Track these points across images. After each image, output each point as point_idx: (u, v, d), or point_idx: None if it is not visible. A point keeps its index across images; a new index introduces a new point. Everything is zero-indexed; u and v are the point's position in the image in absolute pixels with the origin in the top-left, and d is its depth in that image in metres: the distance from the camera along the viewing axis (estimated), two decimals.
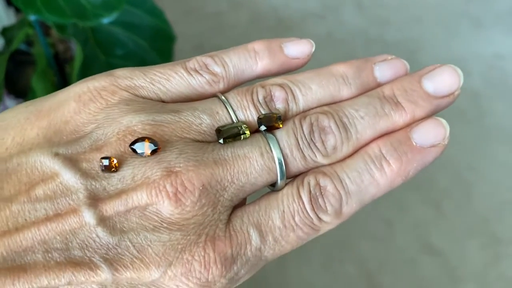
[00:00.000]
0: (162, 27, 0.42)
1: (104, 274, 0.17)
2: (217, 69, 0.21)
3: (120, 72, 0.20)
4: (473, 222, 0.73)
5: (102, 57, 0.44)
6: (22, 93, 0.57)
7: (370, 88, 0.21)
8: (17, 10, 0.59)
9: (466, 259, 0.70)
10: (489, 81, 0.85)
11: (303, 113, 0.20)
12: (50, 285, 0.17)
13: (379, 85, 0.21)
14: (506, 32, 0.89)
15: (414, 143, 0.20)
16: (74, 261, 0.17)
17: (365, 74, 0.21)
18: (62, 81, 0.48)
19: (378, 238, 0.72)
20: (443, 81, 0.21)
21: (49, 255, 0.17)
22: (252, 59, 0.22)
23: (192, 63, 0.21)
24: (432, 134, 0.20)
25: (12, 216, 0.17)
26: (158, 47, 0.44)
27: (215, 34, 0.87)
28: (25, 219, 0.17)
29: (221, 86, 0.21)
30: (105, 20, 0.34)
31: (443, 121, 0.20)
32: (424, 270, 0.69)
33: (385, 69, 0.22)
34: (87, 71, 0.43)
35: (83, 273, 0.17)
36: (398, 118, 0.20)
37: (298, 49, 0.22)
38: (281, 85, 0.21)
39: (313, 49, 0.22)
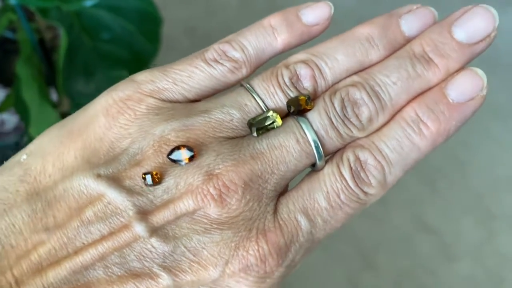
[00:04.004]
0: (148, 10, 0.42)
1: (165, 281, 0.17)
2: (237, 54, 0.20)
3: (141, 76, 0.20)
4: (468, 199, 0.74)
5: (89, 42, 0.43)
6: (11, 82, 0.56)
7: (399, 45, 0.20)
8: None
9: (461, 236, 0.71)
10: (481, 57, 0.85)
11: (333, 88, 0.20)
12: None
13: (408, 40, 0.20)
14: (498, 8, 0.89)
15: (451, 100, 0.19)
16: (134, 272, 0.17)
17: (392, 31, 0.20)
18: (49, 67, 0.47)
19: (373, 217, 0.72)
20: (476, 25, 0.19)
21: (110, 270, 0.17)
22: (271, 35, 0.21)
23: (211, 53, 0.20)
24: (468, 87, 0.19)
25: (69, 242, 0.17)
26: (145, 30, 0.43)
27: (205, 17, 0.86)
28: (83, 243, 0.17)
29: (244, 71, 0.20)
30: (88, 3, 0.33)
31: (479, 70, 0.19)
32: (419, 247, 0.70)
33: (411, 22, 0.20)
34: (73, 57, 0.43)
35: (145, 282, 0.17)
36: (432, 76, 0.19)
37: (316, 14, 0.21)
38: (305, 62, 0.20)
39: (332, 11, 0.21)
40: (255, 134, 0.19)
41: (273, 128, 0.19)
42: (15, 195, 0.18)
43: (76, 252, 0.17)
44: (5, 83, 0.64)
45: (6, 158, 0.19)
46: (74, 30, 0.41)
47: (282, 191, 0.19)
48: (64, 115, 0.50)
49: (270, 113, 0.19)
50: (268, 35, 0.21)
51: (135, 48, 0.44)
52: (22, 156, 0.19)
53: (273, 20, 0.21)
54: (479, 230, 0.71)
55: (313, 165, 0.19)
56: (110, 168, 0.18)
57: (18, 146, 0.60)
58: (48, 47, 0.50)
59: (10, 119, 0.66)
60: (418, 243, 0.70)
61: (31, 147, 0.19)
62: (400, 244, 0.70)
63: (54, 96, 0.52)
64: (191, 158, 0.18)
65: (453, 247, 0.70)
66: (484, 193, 0.74)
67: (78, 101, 0.45)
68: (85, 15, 0.41)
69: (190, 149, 0.18)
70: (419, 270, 0.68)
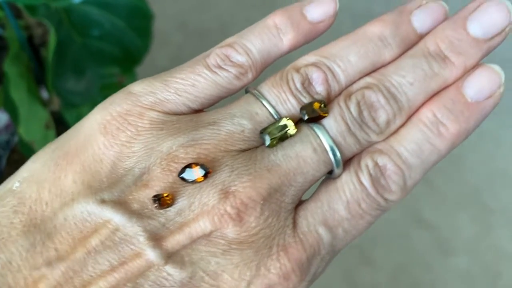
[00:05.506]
0: (138, 5, 0.41)
1: None
2: (241, 59, 0.19)
3: (138, 87, 0.18)
4: (464, 194, 0.74)
5: (78, 38, 0.42)
6: (1, 80, 0.55)
7: (412, 42, 0.19)
8: None
9: (458, 231, 0.70)
10: None
11: (347, 91, 0.18)
12: None
13: (420, 36, 0.19)
14: None
15: (469, 99, 0.18)
16: None
17: (404, 29, 0.19)
18: (38, 65, 0.47)
19: None
20: (491, 19, 0.18)
21: None
22: (276, 37, 0.19)
23: (213, 58, 0.19)
24: (486, 85, 0.18)
25: (76, 275, 0.16)
26: (136, 26, 0.42)
27: (198, 12, 0.85)
28: (90, 275, 0.16)
29: (249, 76, 0.19)
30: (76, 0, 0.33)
31: (495, 67, 0.19)
32: (416, 243, 0.69)
33: (423, 18, 0.19)
34: (63, 54, 0.42)
35: None
36: (449, 75, 0.18)
37: (321, 11, 0.20)
38: (316, 65, 0.19)
39: (338, 6, 0.20)
40: (268, 144, 0.17)
41: (287, 137, 0.18)
42: (9, 228, 0.16)
43: (85, 286, 0.16)
44: None
45: None
46: (63, 27, 0.40)
47: (298, 202, 0.18)
48: (54, 114, 0.49)
49: (283, 121, 0.18)
50: (273, 36, 0.19)
51: (126, 45, 0.43)
52: (14, 183, 0.17)
53: (277, 19, 0.20)
54: (476, 225, 0.71)
55: (329, 172, 0.18)
56: (114, 191, 0.17)
57: (9, 145, 0.59)
58: (38, 43, 0.49)
59: (1, 117, 0.66)
60: (414, 238, 0.70)
61: (23, 173, 0.18)
62: (397, 239, 0.70)
63: (44, 94, 0.51)
64: (205, 176, 0.17)
65: (449, 242, 0.70)
66: (481, 188, 0.74)
67: (68, 99, 0.44)
68: (74, 11, 0.40)
69: (204, 166, 0.16)
70: (416, 265, 0.68)
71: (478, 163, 0.76)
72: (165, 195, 0.16)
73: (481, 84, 0.18)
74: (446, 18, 0.20)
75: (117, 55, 0.43)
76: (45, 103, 0.47)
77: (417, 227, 0.70)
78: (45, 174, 0.17)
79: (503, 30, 0.18)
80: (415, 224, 0.71)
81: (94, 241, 0.16)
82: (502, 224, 0.71)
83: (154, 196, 0.16)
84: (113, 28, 0.41)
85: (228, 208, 0.16)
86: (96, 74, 0.43)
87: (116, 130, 0.18)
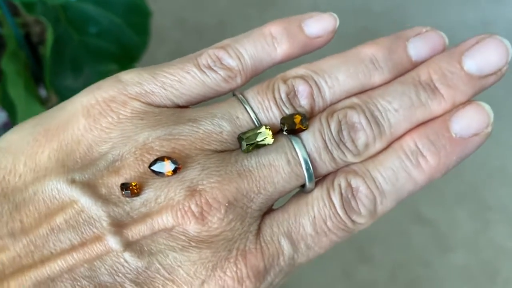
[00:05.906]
0: (136, 2, 0.41)
1: None
2: (232, 62, 0.19)
3: (127, 76, 0.19)
4: (463, 191, 0.74)
5: (76, 36, 0.42)
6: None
7: (405, 69, 0.19)
8: None
9: (456, 228, 0.71)
10: None
11: (331, 108, 0.19)
12: None
13: (414, 65, 0.19)
14: None
15: (454, 135, 0.18)
16: (105, 287, 0.16)
17: (398, 55, 0.19)
18: (36, 63, 0.47)
19: None
20: (488, 57, 0.18)
21: (78, 283, 0.16)
22: (270, 45, 0.20)
23: (204, 58, 0.19)
24: (474, 122, 0.18)
25: (36, 250, 0.16)
26: (133, 23, 0.42)
27: (196, 8, 0.85)
28: (51, 252, 0.16)
29: (238, 81, 0.19)
30: None
31: (486, 106, 0.18)
32: (414, 239, 0.70)
33: (420, 46, 0.19)
34: (60, 52, 0.42)
35: None
36: (436, 107, 0.18)
37: (320, 26, 0.20)
38: (304, 78, 0.19)
39: (337, 24, 0.20)
40: (244, 149, 0.18)
41: (264, 145, 0.18)
42: None
43: (43, 261, 0.16)
44: None
45: None
46: (61, 24, 0.40)
47: (267, 210, 0.18)
48: None
49: (263, 128, 0.18)
50: (268, 44, 0.20)
51: (123, 42, 0.43)
52: None
53: (274, 28, 0.20)
54: (474, 221, 0.71)
55: (302, 185, 0.18)
56: (86, 173, 0.17)
57: None
58: (36, 41, 0.49)
59: (0, 115, 0.65)
60: (413, 235, 0.70)
61: (1, 142, 0.18)
62: (395, 236, 0.70)
63: (43, 92, 0.51)
64: (174, 171, 0.17)
65: (448, 239, 0.70)
66: (479, 185, 0.74)
67: (66, 97, 0.44)
68: (71, 8, 0.40)
69: (174, 161, 0.17)
70: (414, 261, 0.68)
71: (476, 160, 0.76)
72: (133, 184, 0.17)
73: (468, 121, 0.18)
74: (444, 49, 0.19)
75: (115, 53, 0.43)
76: (43, 101, 0.47)
77: (416, 224, 0.71)
78: (23, 147, 0.18)
79: (499, 70, 0.18)
80: (414, 221, 0.71)
81: (59, 219, 0.17)
82: (500, 220, 0.71)
83: (122, 184, 0.17)
84: (110, 25, 0.41)
85: (193, 206, 0.17)
86: (94, 72, 0.43)
87: (99, 115, 0.18)
